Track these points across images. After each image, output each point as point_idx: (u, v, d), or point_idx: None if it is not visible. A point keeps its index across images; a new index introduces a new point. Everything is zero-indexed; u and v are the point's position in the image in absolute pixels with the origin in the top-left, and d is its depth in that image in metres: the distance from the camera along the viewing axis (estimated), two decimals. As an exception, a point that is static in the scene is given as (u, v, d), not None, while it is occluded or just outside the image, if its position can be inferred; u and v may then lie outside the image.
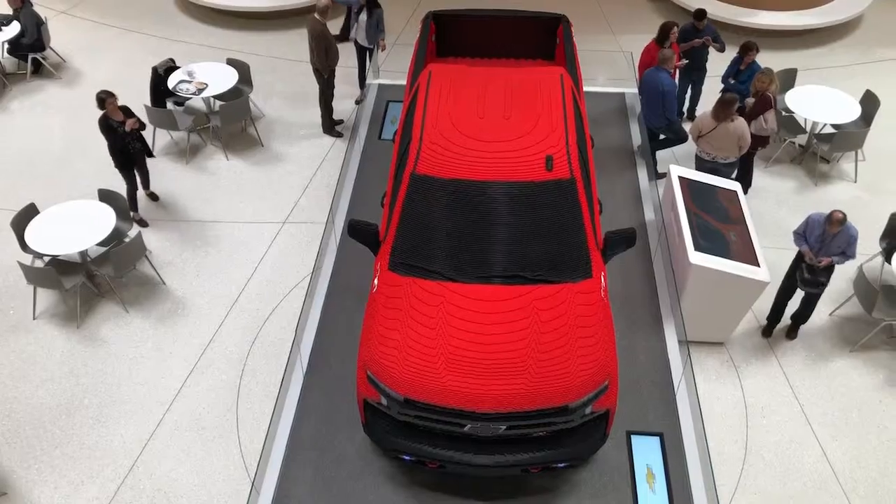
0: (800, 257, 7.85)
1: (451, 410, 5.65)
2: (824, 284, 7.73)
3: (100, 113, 8.69)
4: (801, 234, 7.78)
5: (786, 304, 8.21)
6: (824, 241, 7.55)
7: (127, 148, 9.00)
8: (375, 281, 6.46)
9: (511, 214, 6.35)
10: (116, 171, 9.20)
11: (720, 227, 7.90)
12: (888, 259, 8.35)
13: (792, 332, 8.35)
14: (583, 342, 5.91)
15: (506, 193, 6.38)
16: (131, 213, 9.22)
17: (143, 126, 9.07)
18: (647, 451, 6.62)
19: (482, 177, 6.44)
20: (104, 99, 8.57)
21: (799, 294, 8.09)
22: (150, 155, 9.47)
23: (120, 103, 8.78)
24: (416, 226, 6.45)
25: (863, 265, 8.82)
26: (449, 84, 7.31)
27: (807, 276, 7.70)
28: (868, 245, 9.14)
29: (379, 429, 6.06)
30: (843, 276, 8.89)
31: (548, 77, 7.45)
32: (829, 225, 7.41)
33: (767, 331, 8.38)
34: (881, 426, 7.53)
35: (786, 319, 8.32)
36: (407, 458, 6.02)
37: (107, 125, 8.70)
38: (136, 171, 9.37)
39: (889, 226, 8.70)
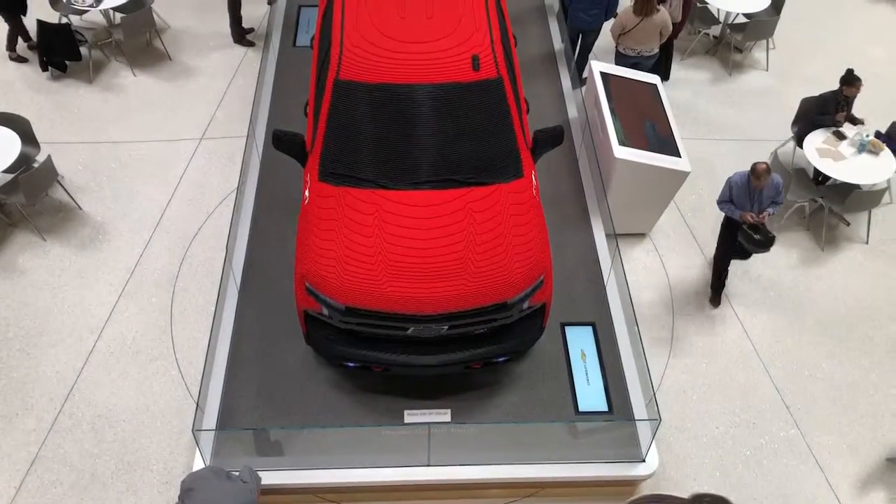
0: (732, 224, 7.39)
1: (394, 315, 5.72)
2: (774, 237, 7.25)
3: None
4: (727, 201, 7.31)
5: (727, 270, 7.82)
6: (753, 197, 7.18)
7: None
8: (306, 192, 6.36)
9: (440, 117, 6.29)
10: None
11: (642, 121, 8.03)
12: (800, 143, 8.67)
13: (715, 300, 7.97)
14: (517, 240, 6.02)
15: (434, 96, 6.29)
16: (8, 53, 10.07)
17: None
18: (580, 341, 6.90)
19: (409, 80, 6.32)
20: None
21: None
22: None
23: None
24: (344, 134, 6.32)
25: (777, 150, 9.16)
26: (366, -16, 7.05)
27: (758, 237, 7.16)
28: (781, 131, 9.47)
29: (321, 339, 6.09)
30: (757, 162, 9.23)
31: (467, -27, 7.26)
32: (756, 178, 7.01)
33: (715, 299, 7.95)
34: (795, 301, 7.99)
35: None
36: (351, 364, 6.09)
37: None
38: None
39: (800, 110, 9.00)
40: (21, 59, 10.11)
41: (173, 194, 8.68)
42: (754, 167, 7.00)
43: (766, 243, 7.21)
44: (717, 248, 7.73)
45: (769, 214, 7.20)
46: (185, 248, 8.15)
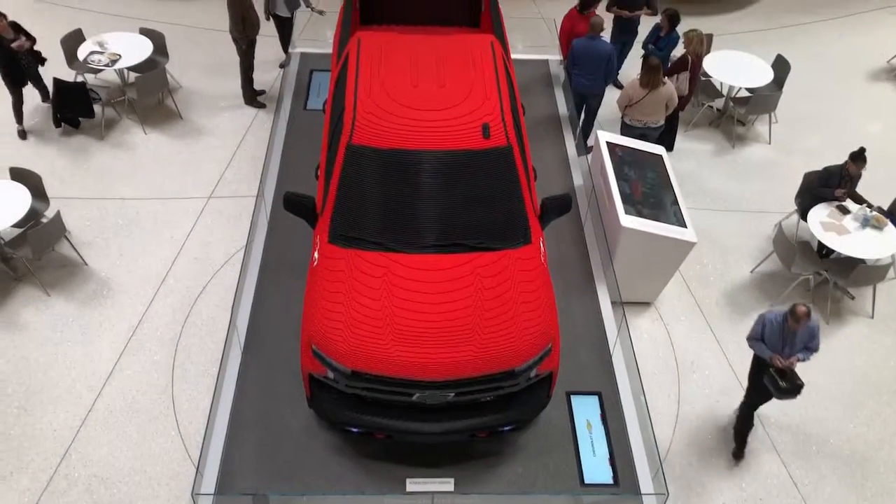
0: (761, 365, 6.78)
1: (400, 380, 5.66)
2: (803, 384, 6.59)
3: None
4: (758, 339, 6.68)
5: (752, 422, 7.19)
6: (786, 339, 6.56)
7: (17, 62, 9.39)
8: (315, 254, 6.37)
9: (450, 183, 6.35)
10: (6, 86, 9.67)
11: (648, 191, 8.11)
12: (803, 216, 8.73)
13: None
14: (526, 307, 6.00)
15: (444, 162, 6.36)
16: (17, 126, 9.94)
17: (33, 42, 9.48)
18: (586, 411, 6.81)
19: (420, 146, 6.39)
20: None
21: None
22: (42, 62, 9.78)
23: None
24: (355, 197, 6.37)
25: (781, 223, 9.22)
26: (379, 52, 7.20)
27: (783, 384, 6.53)
28: (783, 203, 9.56)
29: (325, 402, 6.02)
30: (762, 234, 9.29)
31: (479, 44, 7.43)
32: (795, 321, 6.34)
33: (738, 453, 7.26)
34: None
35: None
36: (355, 429, 6.01)
37: None
38: (31, 85, 9.90)
39: (803, 184, 9.09)
40: (22, 136, 9.97)
41: (179, 252, 8.69)
42: (795, 309, 6.32)
43: (792, 391, 6.57)
44: (747, 396, 7.12)
45: (799, 360, 6.57)
46: (189, 307, 8.12)
